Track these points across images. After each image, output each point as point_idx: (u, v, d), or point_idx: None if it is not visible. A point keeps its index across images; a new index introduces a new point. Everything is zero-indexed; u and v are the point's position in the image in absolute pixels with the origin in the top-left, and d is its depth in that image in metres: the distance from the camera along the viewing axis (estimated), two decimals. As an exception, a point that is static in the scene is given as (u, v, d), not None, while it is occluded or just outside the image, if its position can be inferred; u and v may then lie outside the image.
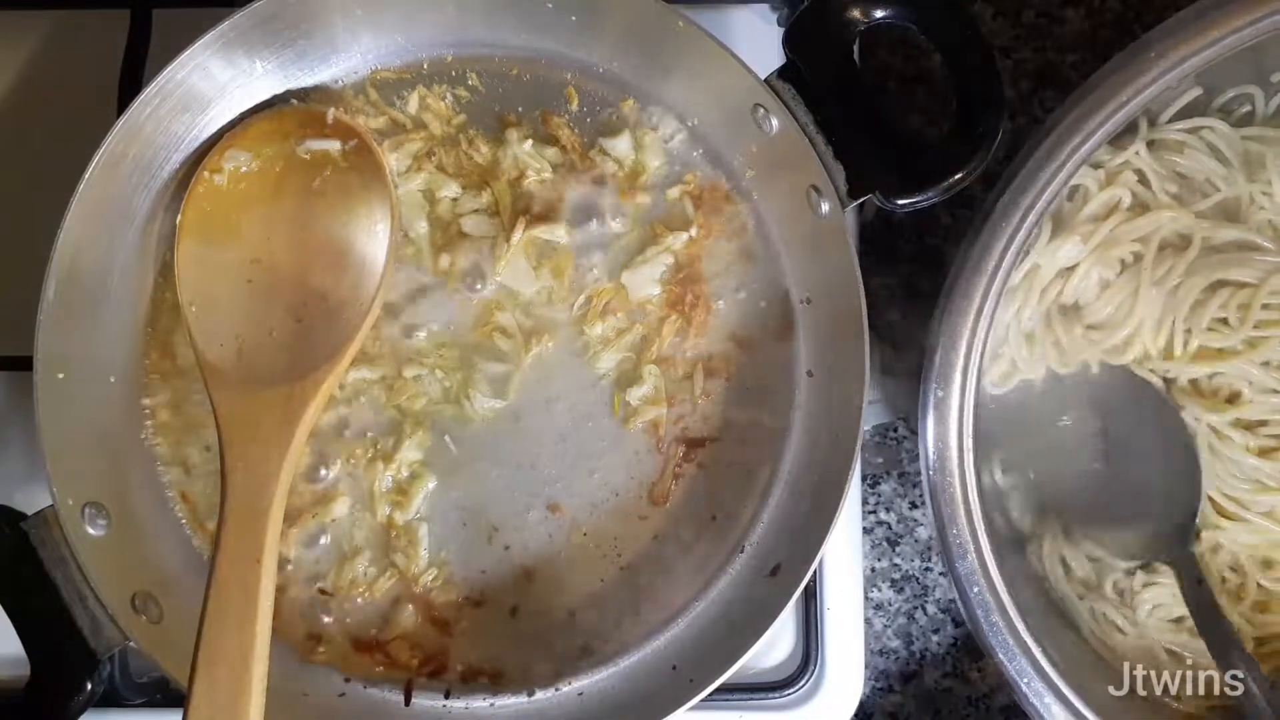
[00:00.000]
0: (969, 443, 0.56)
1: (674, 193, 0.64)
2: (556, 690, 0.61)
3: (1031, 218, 0.55)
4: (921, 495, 0.74)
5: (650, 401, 0.62)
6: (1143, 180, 0.63)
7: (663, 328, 0.63)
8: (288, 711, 0.57)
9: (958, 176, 0.55)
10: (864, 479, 0.74)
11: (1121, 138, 0.60)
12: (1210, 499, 0.64)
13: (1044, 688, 0.57)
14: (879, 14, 0.56)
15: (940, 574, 0.73)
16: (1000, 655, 0.56)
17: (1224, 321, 0.63)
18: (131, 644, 0.54)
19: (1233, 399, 0.63)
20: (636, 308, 0.63)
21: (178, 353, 0.62)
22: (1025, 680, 0.57)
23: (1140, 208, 0.63)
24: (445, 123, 0.64)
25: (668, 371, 0.63)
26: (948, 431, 0.56)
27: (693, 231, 0.63)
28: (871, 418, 0.68)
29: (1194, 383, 0.64)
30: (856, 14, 0.56)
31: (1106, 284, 0.63)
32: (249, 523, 0.53)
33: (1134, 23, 0.69)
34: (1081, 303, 0.64)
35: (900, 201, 0.56)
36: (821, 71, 0.56)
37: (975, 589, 0.56)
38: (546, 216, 0.63)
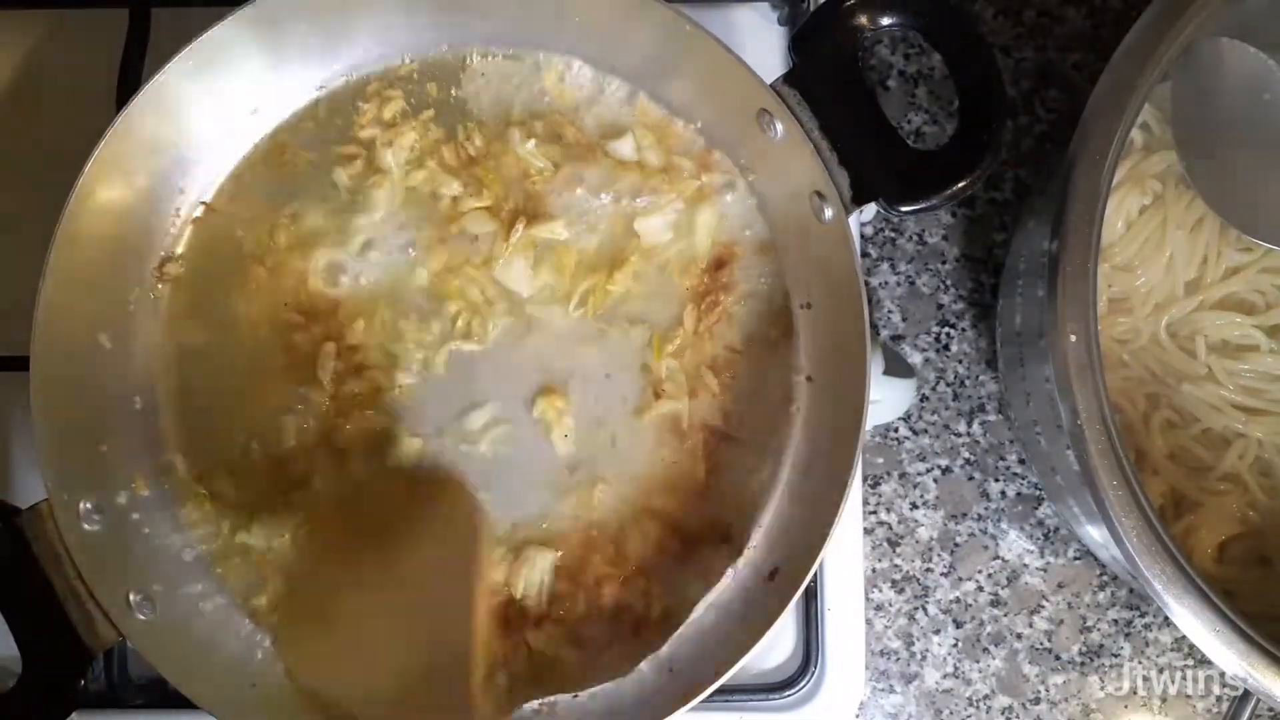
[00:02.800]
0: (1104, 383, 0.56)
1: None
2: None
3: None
4: (922, 496, 0.74)
5: (672, 396, 0.62)
6: (1145, 128, 0.68)
7: (684, 317, 0.63)
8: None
9: (961, 185, 0.55)
10: (864, 479, 0.74)
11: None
12: (1237, 406, 0.66)
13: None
14: (885, 20, 0.56)
15: (941, 574, 0.73)
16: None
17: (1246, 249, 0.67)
18: (125, 641, 0.54)
19: (1250, 311, 0.68)
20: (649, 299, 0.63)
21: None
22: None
23: (1148, 150, 0.68)
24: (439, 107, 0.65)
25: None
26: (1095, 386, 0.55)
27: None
28: (872, 418, 0.68)
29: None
30: (863, 20, 0.56)
31: (1130, 223, 0.67)
32: None
33: (1135, 22, 0.69)
34: (1106, 242, 0.65)
35: (904, 209, 0.56)
36: (827, 77, 0.56)
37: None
38: (547, 216, 0.63)
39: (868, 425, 0.55)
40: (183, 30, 0.57)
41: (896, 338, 0.76)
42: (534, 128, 0.64)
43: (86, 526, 0.55)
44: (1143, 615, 0.73)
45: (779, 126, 0.57)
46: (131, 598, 0.55)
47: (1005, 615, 0.73)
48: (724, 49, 0.56)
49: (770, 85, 0.56)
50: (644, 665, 0.60)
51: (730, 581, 0.61)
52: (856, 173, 0.56)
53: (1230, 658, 0.55)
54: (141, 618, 0.55)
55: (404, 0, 0.61)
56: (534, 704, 0.60)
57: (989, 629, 0.73)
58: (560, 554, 0.61)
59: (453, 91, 0.65)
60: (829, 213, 0.57)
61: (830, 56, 0.56)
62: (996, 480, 0.74)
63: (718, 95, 0.61)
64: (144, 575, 0.57)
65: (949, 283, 0.76)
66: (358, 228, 0.63)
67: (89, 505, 0.55)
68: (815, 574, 0.65)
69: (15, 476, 0.66)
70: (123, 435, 0.60)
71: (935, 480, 0.74)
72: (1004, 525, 0.74)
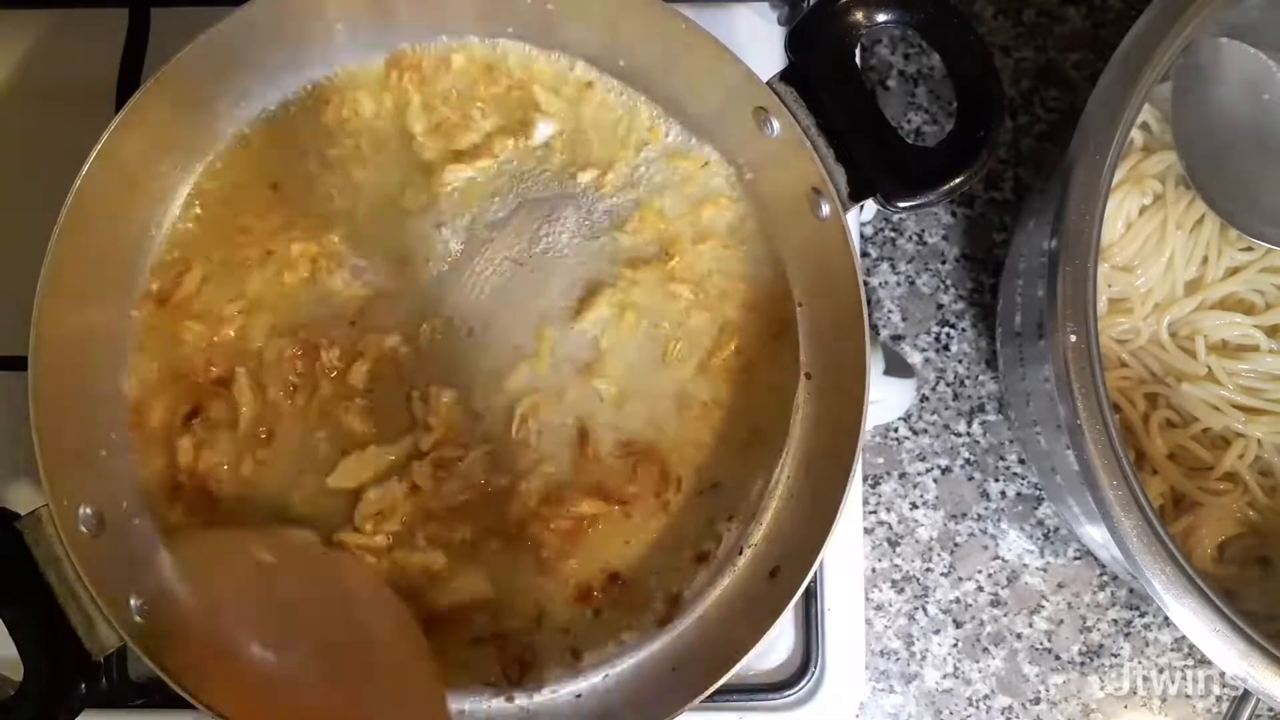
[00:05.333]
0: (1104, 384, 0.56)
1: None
2: (554, 692, 0.61)
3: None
4: (922, 496, 0.74)
5: None
6: (1145, 128, 0.68)
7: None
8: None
9: (958, 180, 0.55)
10: (865, 479, 0.74)
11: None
12: (1237, 406, 0.67)
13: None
14: (881, 18, 0.56)
15: (941, 574, 0.73)
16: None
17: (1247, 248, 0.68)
18: (126, 645, 0.54)
19: (1250, 310, 0.68)
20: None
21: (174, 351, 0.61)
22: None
23: (1148, 150, 0.68)
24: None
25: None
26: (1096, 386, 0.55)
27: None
28: (872, 418, 0.68)
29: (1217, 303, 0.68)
30: (859, 17, 0.55)
31: (1130, 224, 0.67)
32: None
33: (1135, 22, 0.69)
34: (1106, 242, 0.66)
35: (901, 204, 0.56)
36: (823, 74, 0.56)
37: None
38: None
39: (868, 425, 0.55)
40: (183, 30, 0.57)
41: (896, 338, 0.76)
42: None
43: (86, 531, 0.54)
44: (1143, 615, 0.73)
45: (775, 124, 0.57)
46: (133, 601, 0.55)
47: (1005, 615, 0.73)
48: (721, 47, 0.56)
49: (766, 83, 0.56)
50: (645, 663, 0.60)
51: (731, 580, 0.61)
52: (853, 169, 0.55)
53: (1230, 658, 0.55)
54: (143, 621, 0.55)
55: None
56: (537, 701, 0.60)
57: (989, 629, 0.73)
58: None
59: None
60: (826, 209, 0.57)
61: (826, 54, 0.56)
62: (996, 480, 0.74)
63: (714, 94, 0.61)
64: (145, 579, 0.57)
65: (949, 283, 0.76)
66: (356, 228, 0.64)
67: (89, 510, 0.55)
68: (815, 574, 0.65)
69: (14, 481, 0.66)
70: (123, 440, 0.60)
71: (935, 480, 0.74)
72: (1004, 525, 0.74)
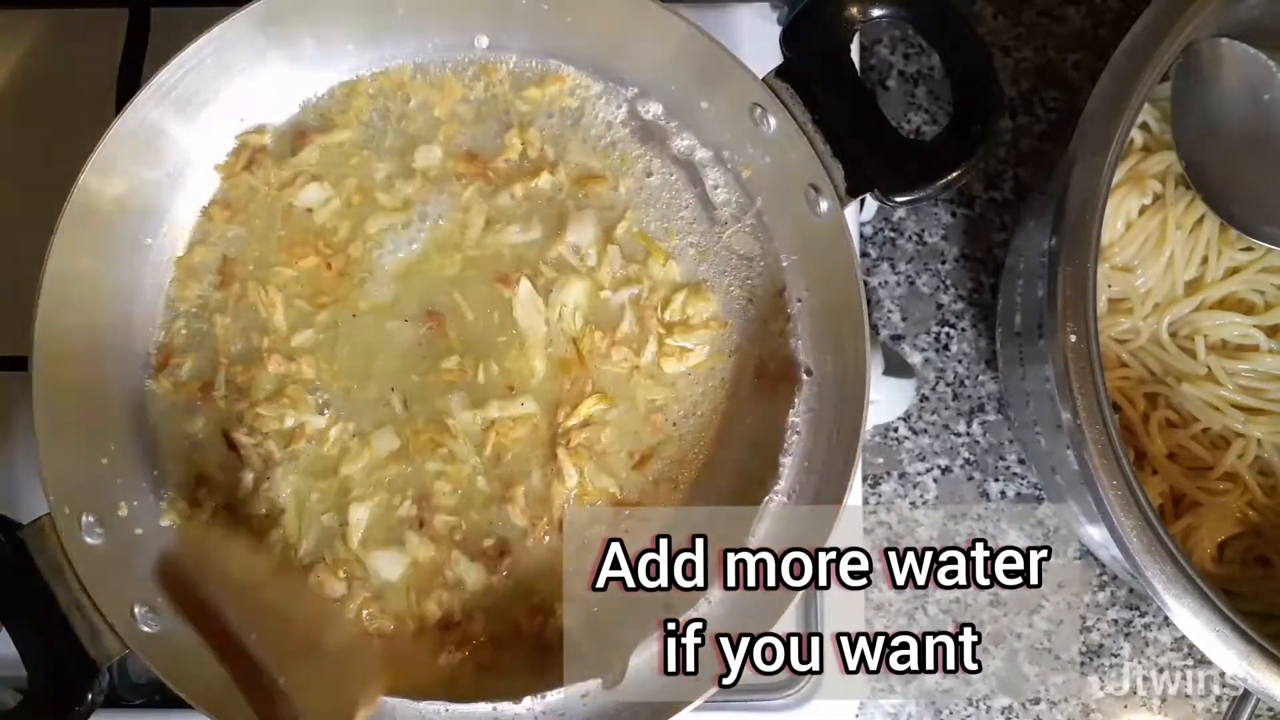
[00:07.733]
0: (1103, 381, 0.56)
1: (671, 193, 0.64)
2: (559, 693, 0.61)
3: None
4: (922, 496, 0.74)
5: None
6: (1145, 128, 0.68)
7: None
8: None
9: (955, 174, 0.55)
10: (865, 479, 0.74)
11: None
12: (1237, 406, 0.67)
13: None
14: (876, 12, 0.56)
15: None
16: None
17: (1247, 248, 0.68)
18: (130, 653, 0.53)
19: (1250, 310, 0.68)
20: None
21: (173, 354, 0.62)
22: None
23: (1148, 150, 0.68)
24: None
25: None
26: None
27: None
28: (872, 418, 0.68)
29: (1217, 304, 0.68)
30: (854, 12, 0.55)
31: (1130, 224, 0.67)
32: None
33: (1135, 22, 0.69)
34: (1106, 242, 0.66)
35: (899, 199, 0.55)
36: (819, 70, 0.56)
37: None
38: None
39: (868, 425, 0.55)
40: (183, 30, 0.57)
41: (896, 338, 0.76)
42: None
43: (89, 539, 0.54)
44: (1143, 615, 0.73)
45: (772, 120, 0.57)
46: (136, 609, 0.55)
47: (1005, 615, 0.73)
48: (717, 45, 0.56)
49: (762, 79, 0.56)
50: (643, 665, 0.60)
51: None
52: (851, 165, 0.55)
53: (1230, 657, 0.55)
54: (146, 629, 0.55)
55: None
56: (539, 708, 0.60)
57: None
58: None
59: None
60: (824, 205, 0.57)
61: (822, 49, 0.56)
62: (996, 480, 0.74)
63: (712, 92, 0.61)
64: (148, 587, 0.56)
65: (949, 283, 0.76)
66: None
67: (91, 518, 0.55)
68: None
69: (17, 490, 0.66)
70: (124, 447, 0.60)
71: (935, 480, 0.74)
72: (1004, 525, 0.74)
